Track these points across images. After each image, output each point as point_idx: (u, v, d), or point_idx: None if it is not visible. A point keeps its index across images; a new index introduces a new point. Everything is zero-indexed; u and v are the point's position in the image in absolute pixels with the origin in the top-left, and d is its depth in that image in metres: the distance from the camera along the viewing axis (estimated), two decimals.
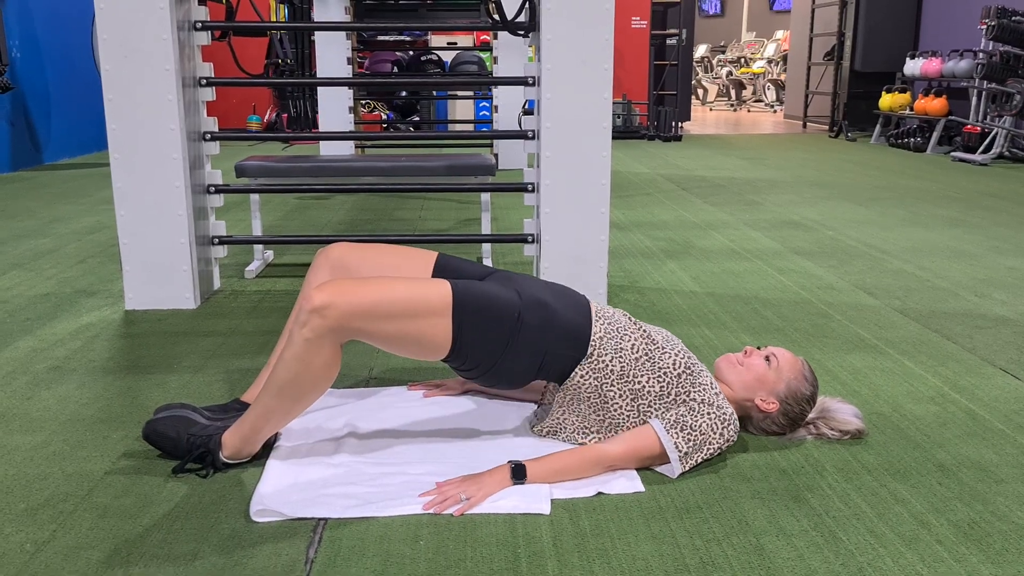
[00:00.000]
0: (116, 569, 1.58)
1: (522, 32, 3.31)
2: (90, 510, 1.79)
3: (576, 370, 1.99)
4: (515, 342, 1.93)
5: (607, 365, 1.99)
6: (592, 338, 1.99)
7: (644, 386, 1.98)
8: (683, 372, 1.99)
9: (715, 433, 1.94)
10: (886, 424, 2.23)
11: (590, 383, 1.99)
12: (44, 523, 1.74)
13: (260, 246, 3.94)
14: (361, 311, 1.80)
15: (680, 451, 1.91)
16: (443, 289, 1.89)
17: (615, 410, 2.00)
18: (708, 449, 1.94)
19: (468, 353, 1.92)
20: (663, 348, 2.02)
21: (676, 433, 1.92)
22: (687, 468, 1.93)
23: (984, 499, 1.85)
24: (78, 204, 5.66)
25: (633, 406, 1.99)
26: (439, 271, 2.13)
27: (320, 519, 1.75)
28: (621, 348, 2.00)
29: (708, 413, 1.95)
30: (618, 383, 1.99)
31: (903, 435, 2.16)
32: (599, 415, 2.02)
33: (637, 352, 2.00)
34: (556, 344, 1.97)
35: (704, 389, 1.98)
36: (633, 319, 2.09)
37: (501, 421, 2.22)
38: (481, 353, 1.92)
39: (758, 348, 2.14)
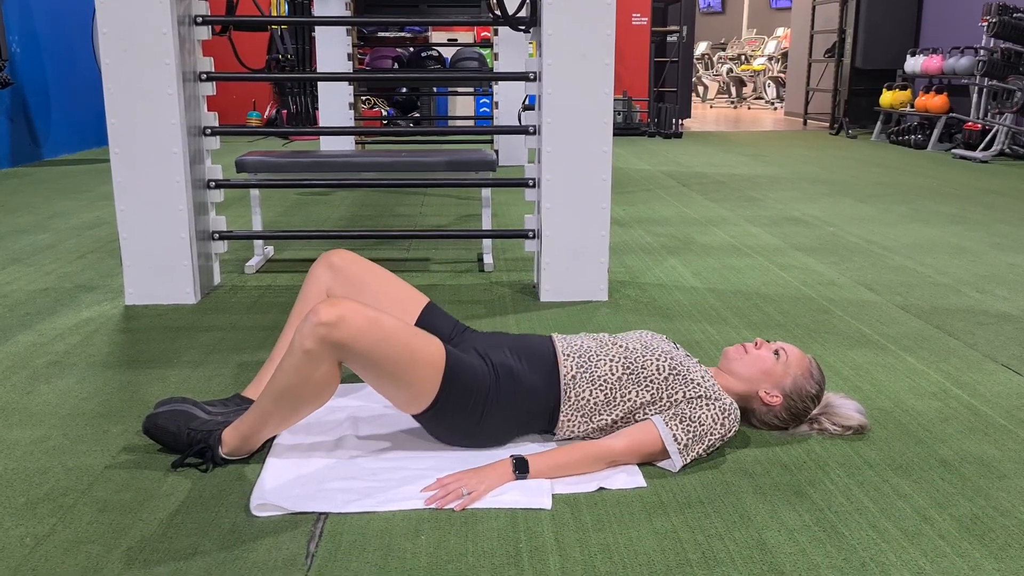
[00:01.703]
0: (116, 563, 1.58)
1: (523, 27, 3.30)
2: (90, 504, 1.79)
3: (560, 417, 1.99)
4: (490, 411, 1.94)
5: (588, 400, 1.98)
6: (563, 381, 1.98)
7: (635, 400, 1.98)
8: (669, 375, 1.98)
9: (716, 424, 1.94)
10: (888, 419, 2.22)
11: (577, 422, 1.99)
12: (44, 517, 1.74)
13: (260, 241, 3.93)
14: (367, 339, 1.78)
15: (679, 443, 1.90)
16: (439, 347, 1.90)
17: (615, 429, 2.00)
18: (709, 440, 1.94)
19: (444, 415, 1.92)
20: (643, 356, 2.01)
21: (675, 425, 1.92)
22: (688, 460, 1.92)
23: (986, 494, 1.84)
24: (78, 199, 5.66)
25: (631, 418, 1.99)
26: (425, 316, 2.15)
27: (321, 513, 1.74)
28: (597, 376, 1.99)
29: (707, 405, 1.95)
30: (607, 409, 1.98)
31: (905, 430, 2.16)
32: (603, 434, 2.01)
33: (616, 372, 1.99)
34: (529, 404, 1.97)
35: (698, 385, 1.98)
36: (601, 337, 2.09)
37: None
38: (459, 417, 1.93)
39: (768, 342, 2.13)
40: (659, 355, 2.01)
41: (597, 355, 2.01)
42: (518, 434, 2.03)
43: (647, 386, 1.98)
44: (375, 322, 1.79)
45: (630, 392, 1.97)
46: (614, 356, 2.01)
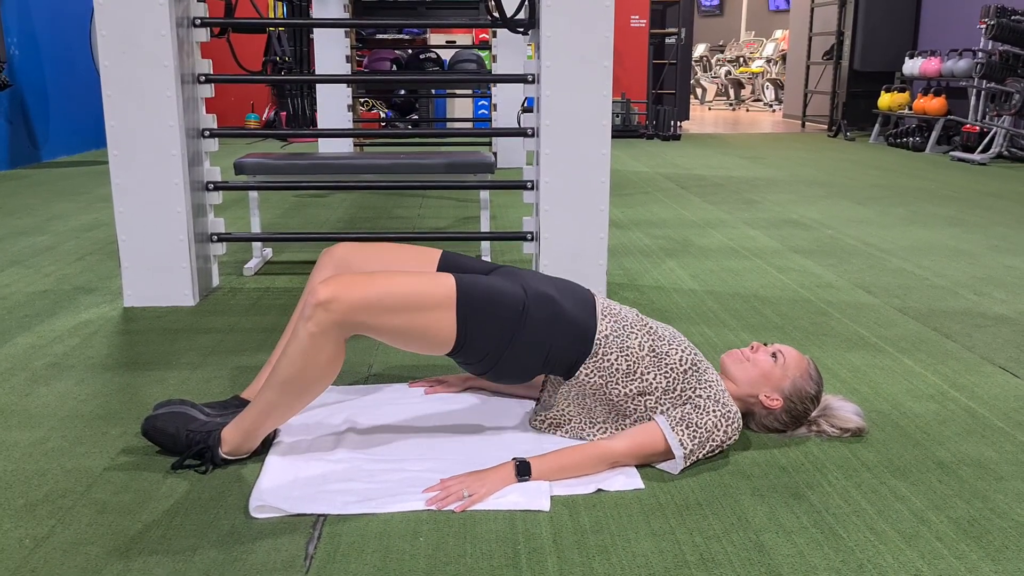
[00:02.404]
0: (115, 564, 1.58)
1: (521, 29, 3.30)
2: (89, 506, 1.79)
3: (581, 368, 1.99)
4: (520, 336, 1.93)
5: (612, 364, 1.98)
6: (597, 336, 1.99)
7: (651, 382, 1.98)
8: (689, 368, 1.99)
9: (719, 431, 1.94)
10: (886, 422, 2.23)
11: (595, 381, 1.99)
12: (43, 519, 1.74)
13: (259, 243, 3.93)
14: (366, 305, 1.79)
15: (685, 448, 1.91)
16: (448, 282, 1.88)
17: (621, 405, 2.00)
18: (710, 446, 1.94)
19: (473, 347, 1.91)
20: (669, 343, 2.02)
21: (681, 430, 1.92)
22: (688, 465, 1.92)
23: (984, 496, 1.85)
24: (76, 201, 5.66)
25: (640, 401, 1.99)
26: (443, 268, 2.13)
27: (320, 515, 1.75)
28: (627, 346, 1.99)
29: (713, 410, 1.95)
30: (624, 380, 1.99)
31: (903, 433, 2.16)
32: (605, 408, 2.02)
33: (643, 349, 2.00)
34: (561, 340, 1.97)
35: (710, 386, 1.98)
36: (641, 316, 2.09)
37: (502, 417, 2.22)
38: (486, 347, 1.92)
39: (765, 344, 2.14)
40: (684, 348, 2.02)
41: (632, 327, 2.03)
42: (541, 371, 2.01)
43: (666, 373, 1.98)
44: (370, 285, 1.80)
45: (649, 373, 1.98)
46: (644, 334, 2.02)
